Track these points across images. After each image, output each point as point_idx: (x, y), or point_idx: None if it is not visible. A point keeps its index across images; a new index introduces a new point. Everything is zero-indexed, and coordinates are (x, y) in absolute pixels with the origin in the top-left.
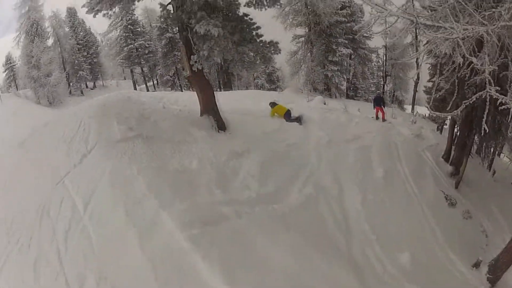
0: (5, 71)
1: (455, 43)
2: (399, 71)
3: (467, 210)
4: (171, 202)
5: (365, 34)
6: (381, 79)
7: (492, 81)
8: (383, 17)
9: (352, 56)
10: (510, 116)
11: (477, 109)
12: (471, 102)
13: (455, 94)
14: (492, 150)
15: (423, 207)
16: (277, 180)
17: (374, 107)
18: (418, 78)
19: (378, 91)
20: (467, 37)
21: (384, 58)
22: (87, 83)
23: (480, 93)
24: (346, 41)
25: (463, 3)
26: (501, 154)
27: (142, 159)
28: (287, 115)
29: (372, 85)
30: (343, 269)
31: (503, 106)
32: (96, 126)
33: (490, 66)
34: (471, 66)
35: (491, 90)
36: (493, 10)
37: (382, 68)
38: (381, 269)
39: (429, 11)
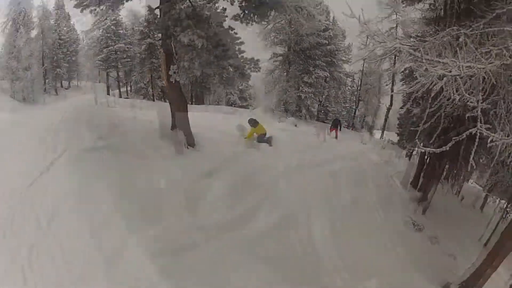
0: None
1: (452, 79)
2: (373, 97)
3: (435, 236)
4: (139, 225)
5: (343, 58)
6: (353, 104)
7: (482, 118)
8: (386, 47)
9: (327, 79)
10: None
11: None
12: (460, 138)
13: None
14: (462, 177)
15: (390, 233)
16: (246, 204)
17: (330, 128)
18: (391, 104)
19: (337, 116)
20: (466, 75)
21: (359, 83)
22: (62, 82)
23: (471, 130)
24: (324, 64)
25: (465, 39)
26: (469, 180)
27: (110, 174)
28: (262, 136)
29: (343, 109)
30: None
31: (492, 143)
32: (66, 132)
33: (483, 104)
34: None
35: (481, 127)
36: (492, 48)
37: (356, 93)
38: None
39: (416, 40)
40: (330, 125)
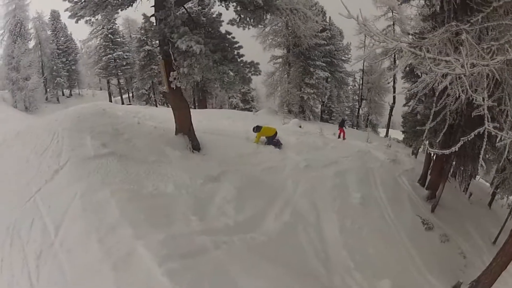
0: None
1: (457, 77)
2: (375, 95)
3: (445, 234)
4: (147, 231)
5: (343, 58)
6: (356, 103)
7: (489, 116)
8: (387, 47)
9: (329, 79)
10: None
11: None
12: (468, 138)
13: (431, 121)
14: (469, 173)
15: (400, 232)
16: (254, 206)
17: (338, 128)
18: (394, 102)
19: (342, 115)
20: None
21: (361, 82)
22: (64, 90)
23: (479, 129)
24: (324, 64)
25: (467, 36)
26: (477, 176)
27: (115, 180)
28: (273, 137)
29: (347, 109)
30: None
31: (501, 143)
32: (69, 140)
33: (489, 101)
34: (460, 97)
35: (489, 126)
36: (493, 43)
37: (358, 92)
38: None
39: (415, 37)
40: (338, 125)
